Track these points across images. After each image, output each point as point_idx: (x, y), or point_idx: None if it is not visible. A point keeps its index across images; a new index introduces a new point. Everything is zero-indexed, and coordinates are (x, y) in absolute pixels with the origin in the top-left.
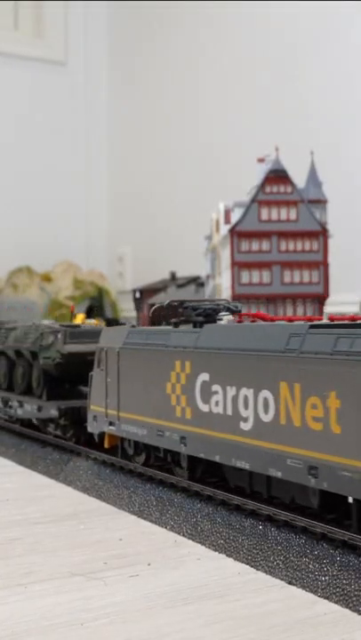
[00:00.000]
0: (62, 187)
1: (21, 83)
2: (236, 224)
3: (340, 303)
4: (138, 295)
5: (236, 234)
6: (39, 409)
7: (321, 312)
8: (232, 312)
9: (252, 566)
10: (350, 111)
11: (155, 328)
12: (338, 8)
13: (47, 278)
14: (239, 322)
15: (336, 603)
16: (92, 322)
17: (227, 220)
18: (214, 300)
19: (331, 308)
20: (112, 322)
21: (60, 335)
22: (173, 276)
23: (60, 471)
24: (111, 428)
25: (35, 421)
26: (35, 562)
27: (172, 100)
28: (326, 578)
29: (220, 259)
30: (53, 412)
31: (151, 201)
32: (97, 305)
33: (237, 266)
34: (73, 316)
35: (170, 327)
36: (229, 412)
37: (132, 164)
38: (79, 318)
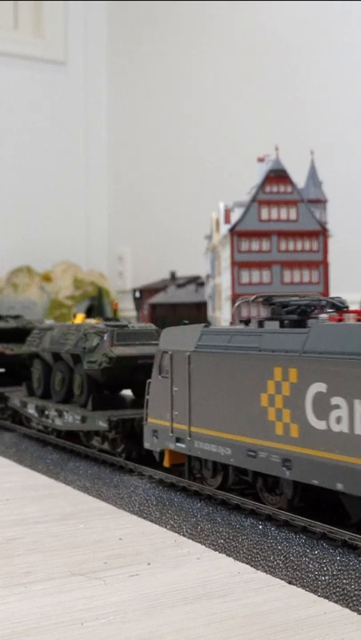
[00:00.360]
0: (62, 187)
1: (21, 82)
2: (236, 224)
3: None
4: (138, 295)
5: (236, 233)
6: (83, 420)
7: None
8: (338, 309)
9: (252, 566)
10: (350, 111)
11: (240, 328)
12: (338, 8)
13: (47, 278)
14: (339, 320)
15: (336, 602)
16: (92, 321)
17: (227, 220)
18: (305, 295)
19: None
20: (111, 321)
21: (106, 336)
22: (173, 276)
23: (60, 471)
24: (179, 445)
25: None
26: (35, 561)
27: (171, 100)
28: (326, 577)
29: (220, 258)
30: (102, 424)
31: (151, 201)
32: (95, 304)
33: (237, 265)
34: (74, 315)
35: (254, 327)
36: (358, 430)
37: (132, 164)
38: (79, 318)
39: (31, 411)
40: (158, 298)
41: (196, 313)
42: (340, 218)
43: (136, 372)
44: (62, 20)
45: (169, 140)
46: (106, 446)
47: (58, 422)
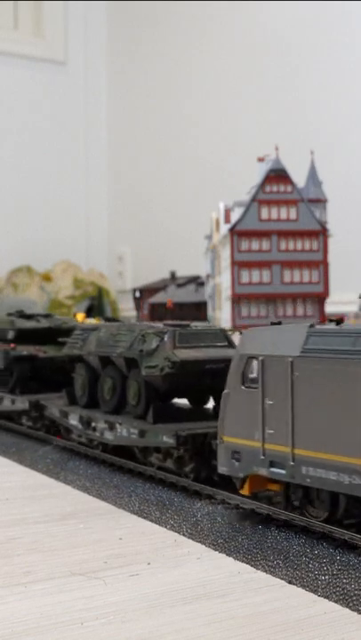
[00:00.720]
0: (62, 187)
1: (21, 82)
2: (236, 223)
3: (340, 302)
4: (138, 295)
5: (236, 233)
6: (142, 434)
7: (322, 311)
8: None
9: (252, 565)
10: (350, 111)
11: None
12: (338, 8)
13: (47, 278)
14: None
15: (336, 602)
16: (92, 321)
17: (227, 220)
18: None
19: (331, 307)
20: (111, 321)
21: (167, 337)
22: (173, 276)
23: (60, 470)
24: (276, 471)
25: (135, 449)
26: (34, 561)
27: (171, 100)
28: (326, 577)
29: (220, 258)
30: (167, 440)
31: (151, 201)
32: (95, 303)
33: (237, 265)
34: (74, 315)
35: None
36: None
37: (132, 164)
38: (80, 317)
39: (73, 422)
40: (158, 297)
41: (196, 312)
42: (340, 218)
43: (202, 379)
44: (62, 19)
45: (169, 140)
46: (169, 465)
47: (108, 436)
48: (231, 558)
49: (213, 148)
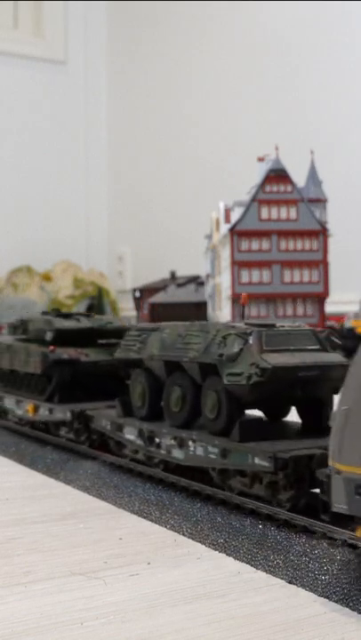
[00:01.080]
0: (62, 187)
1: (21, 82)
2: (237, 223)
3: (340, 302)
4: (138, 294)
5: (237, 233)
6: (224, 454)
7: (322, 311)
8: None
9: (252, 565)
10: (350, 111)
11: None
12: (338, 8)
13: (47, 277)
14: None
15: (336, 602)
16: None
17: (227, 220)
18: None
19: (331, 307)
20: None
21: (252, 339)
22: (173, 276)
23: (60, 470)
24: None
25: (211, 472)
26: (34, 561)
27: (171, 100)
28: (326, 577)
29: (220, 258)
30: (262, 463)
31: (151, 201)
32: (95, 303)
33: (237, 265)
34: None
35: None
36: None
37: (132, 164)
38: None
39: (130, 436)
40: (158, 297)
41: (196, 312)
42: (340, 217)
43: (293, 389)
44: (62, 19)
45: (169, 140)
46: (258, 491)
47: (177, 454)
48: (231, 558)
49: (213, 148)
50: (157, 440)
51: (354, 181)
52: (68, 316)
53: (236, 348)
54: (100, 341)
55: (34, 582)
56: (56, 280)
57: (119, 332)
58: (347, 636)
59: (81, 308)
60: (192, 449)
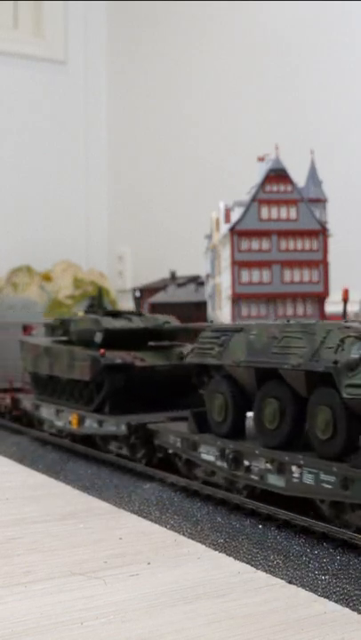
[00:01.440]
0: (62, 186)
1: (21, 82)
2: (237, 223)
3: (340, 302)
4: (138, 294)
5: (237, 233)
6: (345, 484)
7: (322, 311)
8: None
9: (252, 565)
10: (350, 111)
11: None
12: (338, 8)
13: (47, 277)
14: None
15: (336, 602)
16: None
17: (227, 219)
18: None
19: (331, 307)
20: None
21: None
22: (173, 276)
23: (60, 470)
24: None
25: (322, 507)
26: (34, 561)
27: (171, 100)
28: (326, 577)
29: (220, 258)
30: None
31: (151, 200)
32: (95, 303)
33: (237, 265)
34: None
35: None
36: None
37: (132, 163)
38: (79, 314)
39: (208, 457)
40: (158, 297)
41: (196, 312)
42: (340, 217)
43: None
44: (62, 19)
45: (169, 140)
46: None
47: (275, 481)
48: (231, 558)
49: (213, 147)
50: (246, 463)
51: (354, 181)
52: (116, 314)
53: (356, 354)
54: (150, 343)
55: (34, 582)
56: (56, 280)
57: (177, 334)
58: (347, 636)
59: (81, 308)
60: (297, 476)
